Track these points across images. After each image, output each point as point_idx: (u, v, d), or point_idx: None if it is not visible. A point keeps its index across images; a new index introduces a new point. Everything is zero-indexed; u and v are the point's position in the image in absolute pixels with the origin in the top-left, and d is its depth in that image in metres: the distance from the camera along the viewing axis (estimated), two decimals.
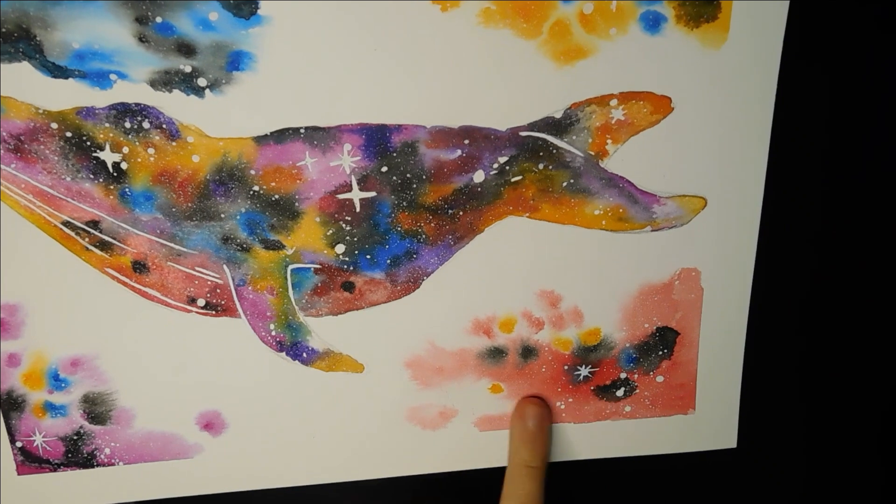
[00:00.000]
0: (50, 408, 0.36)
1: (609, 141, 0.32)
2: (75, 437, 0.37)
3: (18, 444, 0.37)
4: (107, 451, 0.37)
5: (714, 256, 0.35)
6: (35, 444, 0.37)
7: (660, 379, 0.37)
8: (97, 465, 0.37)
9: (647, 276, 0.35)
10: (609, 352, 0.36)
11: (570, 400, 0.37)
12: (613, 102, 0.31)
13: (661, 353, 0.37)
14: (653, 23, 0.30)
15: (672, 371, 0.37)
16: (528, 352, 0.36)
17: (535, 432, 0.36)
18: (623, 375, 0.37)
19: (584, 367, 0.37)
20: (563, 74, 0.31)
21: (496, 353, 0.36)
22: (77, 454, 0.37)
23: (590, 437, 0.38)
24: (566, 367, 0.37)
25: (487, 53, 0.30)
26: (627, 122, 0.32)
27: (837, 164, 0.35)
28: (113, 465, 0.37)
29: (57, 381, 0.36)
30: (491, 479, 0.38)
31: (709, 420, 0.38)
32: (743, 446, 0.39)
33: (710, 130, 0.32)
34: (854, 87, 0.33)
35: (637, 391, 0.37)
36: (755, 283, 0.35)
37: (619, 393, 0.37)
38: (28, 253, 0.33)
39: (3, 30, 0.28)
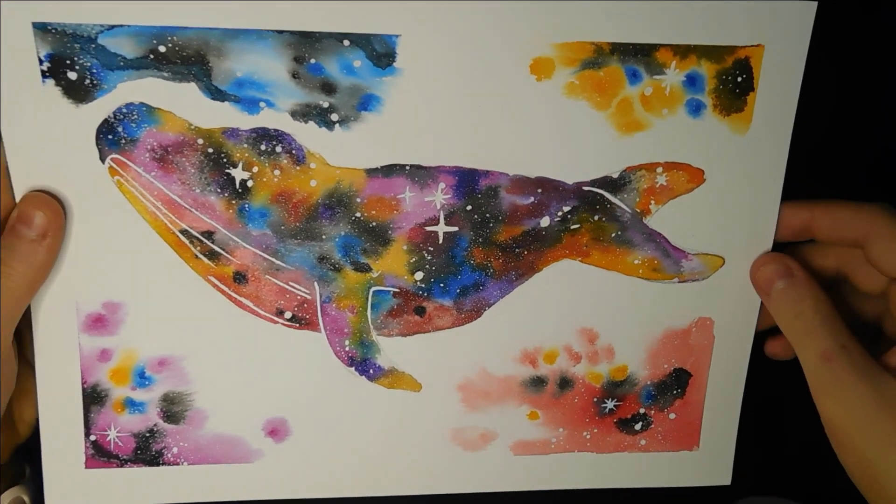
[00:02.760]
0: (129, 404, 0.39)
1: (652, 202, 0.39)
2: (147, 435, 0.39)
3: (92, 438, 0.39)
4: (174, 450, 0.40)
5: (726, 309, 0.41)
6: (108, 439, 0.39)
7: (672, 416, 0.43)
8: (162, 464, 0.40)
9: (670, 322, 0.41)
10: (633, 387, 0.42)
11: (595, 431, 0.42)
12: (659, 170, 0.39)
13: (675, 392, 0.42)
14: (695, 108, 0.38)
15: (683, 409, 0.43)
16: (565, 382, 0.42)
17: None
18: (642, 411, 0.43)
19: (610, 400, 0.42)
20: (623, 142, 0.38)
21: (538, 382, 0.41)
22: (146, 451, 0.40)
23: (608, 467, 0.43)
24: (595, 400, 0.42)
25: (566, 118, 0.37)
26: (668, 188, 0.39)
27: None
28: (178, 464, 0.40)
29: (142, 379, 0.39)
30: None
31: (708, 457, 0.44)
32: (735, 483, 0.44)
33: (732, 200, 0.39)
34: (858, 162, 0.41)
35: (652, 426, 0.43)
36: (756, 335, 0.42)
37: (637, 427, 0.43)
38: (141, 256, 0.37)
39: (184, 53, 0.34)
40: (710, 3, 0.36)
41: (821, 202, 0.39)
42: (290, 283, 0.38)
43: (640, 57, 0.37)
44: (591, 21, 0.36)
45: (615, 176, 0.39)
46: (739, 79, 0.37)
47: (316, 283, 0.39)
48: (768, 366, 0.43)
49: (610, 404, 0.42)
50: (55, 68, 0.34)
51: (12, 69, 0.33)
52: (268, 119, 0.36)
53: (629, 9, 0.36)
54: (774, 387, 0.44)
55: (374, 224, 0.38)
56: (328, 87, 0.36)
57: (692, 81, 0.37)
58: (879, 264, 0.38)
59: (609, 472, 0.43)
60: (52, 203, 0.35)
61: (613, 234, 0.39)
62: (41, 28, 0.33)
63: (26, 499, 0.40)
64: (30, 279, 0.35)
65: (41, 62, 0.33)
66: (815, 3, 0.36)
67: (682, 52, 0.37)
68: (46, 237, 0.35)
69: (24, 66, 0.33)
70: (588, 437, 0.43)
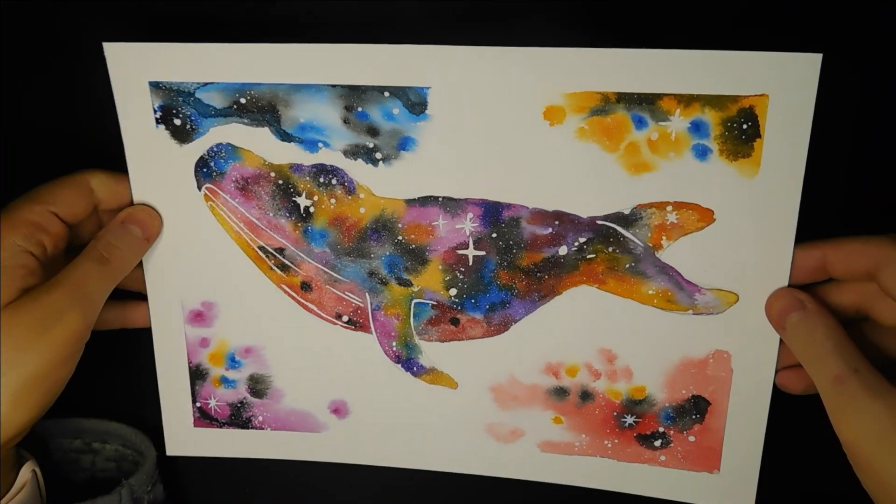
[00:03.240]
0: (224, 381, 0.49)
1: (664, 237, 0.42)
2: (239, 405, 0.49)
3: (197, 405, 0.49)
4: (260, 418, 0.49)
5: (743, 343, 0.43)
6: (210, 406, 0.49)
7: (692, 438, 0.45)
8: (251, 428, 0.49)
9: (686, 351, 0.44)
10: (651, 407, 0.45)
11: (616, 441, 0.46)
12: (669, 208, 0.42)
13: (694, 417, 0.45)
14: (701, 152, 0.40)
15: (702, 434, 0.45)
16: (586, 395, 0.46)
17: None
18: (661, 429, 0.46)
19: (629, 416, 0.46)
20: (632, 182, 0.41)
21: (561, 392, 0.46)
22: (238, 417, 0.49)
23: (629, 475, 0.47)
24: (615, 414, 0.46)
25: (579, 159, 0.41)
26: (679, 225, 0.42)
27: None
28: (263, 429, 0.49)
29: (233, 362, 0.48)
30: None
31: (730, 481, 0.45)
32: None
33: (744, 240, 0.41)
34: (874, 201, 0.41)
35: (671, 445, 0.46)
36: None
37: (657, 443, 0.46)
38: (228, 266, 0.46)
39: (259, 104, 0.42)
40: (713, 55, 0.39)
41: (831, 240, 0.40)
42: (346, 293, 0.46)
43: (644, 105, 0.40)
44: (597, 72, 0.40)
45: (626, 212, 0.42)
46: (745, 126, 0.39)
47: (367, 294, 0.46)
48: (800, 401, 0.44)
49: (629, 419, 0.46)
50: (165, 116, 0.43)
51: (135, 117, 0.44)
52: (325, 157, 0.43)
53: (632, 60, 0.39)
54: (803, 417, 0.45)
55: (413, 246, 0.44)
56: (373, 131, 0.43)
57: (697, 128, 0.40)
58: (892, 291, 0.38)
59: (630, 480, 0.47)
60: (156, 216, 0.45)
61: (627, 265, 0.43)
62: (155, 85, 0.43)
63: (38, 470, 0.46)
64: (127, 265, 0.44)
65: (155, 112, 0.43)
66: (820, 56, 0.38)
67: (686, 100, 0.40)
68: (150, 240, 0.45)
69: (143, 115, 0.43)
70: (609, 445, 0.46)
